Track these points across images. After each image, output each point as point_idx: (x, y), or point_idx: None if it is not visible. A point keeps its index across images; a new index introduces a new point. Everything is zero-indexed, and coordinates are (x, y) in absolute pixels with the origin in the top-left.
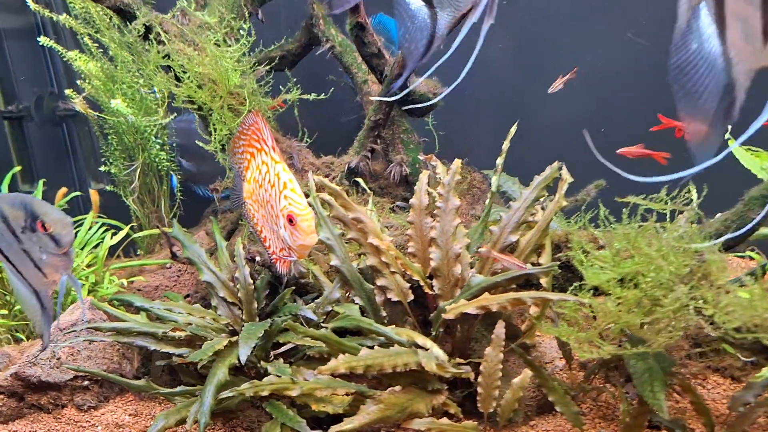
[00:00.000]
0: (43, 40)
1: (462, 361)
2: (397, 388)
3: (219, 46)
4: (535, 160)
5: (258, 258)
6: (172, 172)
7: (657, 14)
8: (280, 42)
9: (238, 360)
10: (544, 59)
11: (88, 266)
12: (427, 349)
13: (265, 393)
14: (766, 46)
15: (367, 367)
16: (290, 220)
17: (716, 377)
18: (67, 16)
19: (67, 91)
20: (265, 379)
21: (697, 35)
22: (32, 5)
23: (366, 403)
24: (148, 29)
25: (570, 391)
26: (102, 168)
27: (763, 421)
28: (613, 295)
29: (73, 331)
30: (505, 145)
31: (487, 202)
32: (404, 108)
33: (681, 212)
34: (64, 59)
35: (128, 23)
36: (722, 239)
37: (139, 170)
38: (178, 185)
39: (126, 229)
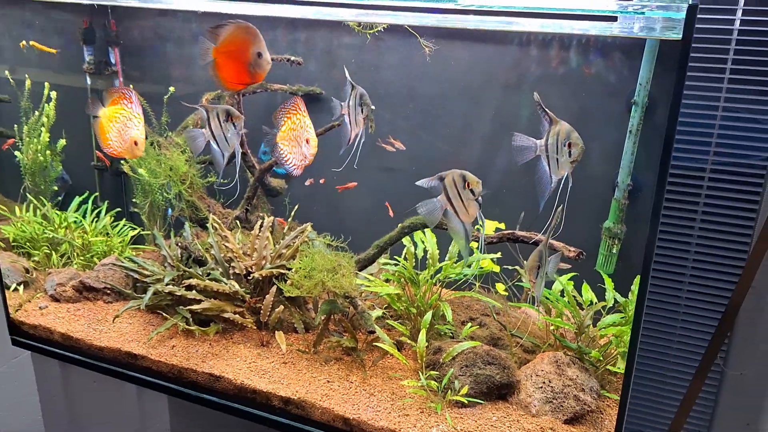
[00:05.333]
0: None
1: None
2: (219, 298)
3: (183, 151)
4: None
5: (179, 244)
6: (168, 207)
7: None
8: None
9: (164, 284)
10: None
11: (120, 243)
12: (232, 286)
13: (167, 291)
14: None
15: (205, 286)
16: (307, 141)
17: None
18: None
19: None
20: (168, 287)
21: (543, 168)
22: None
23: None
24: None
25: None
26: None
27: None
28: (299, 273)
29: (106, 265)
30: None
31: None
32: (265, 190)
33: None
34: None
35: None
36: (359, 259)
37: (148, 205)
38: (172, 214)
39: (139, 230)
